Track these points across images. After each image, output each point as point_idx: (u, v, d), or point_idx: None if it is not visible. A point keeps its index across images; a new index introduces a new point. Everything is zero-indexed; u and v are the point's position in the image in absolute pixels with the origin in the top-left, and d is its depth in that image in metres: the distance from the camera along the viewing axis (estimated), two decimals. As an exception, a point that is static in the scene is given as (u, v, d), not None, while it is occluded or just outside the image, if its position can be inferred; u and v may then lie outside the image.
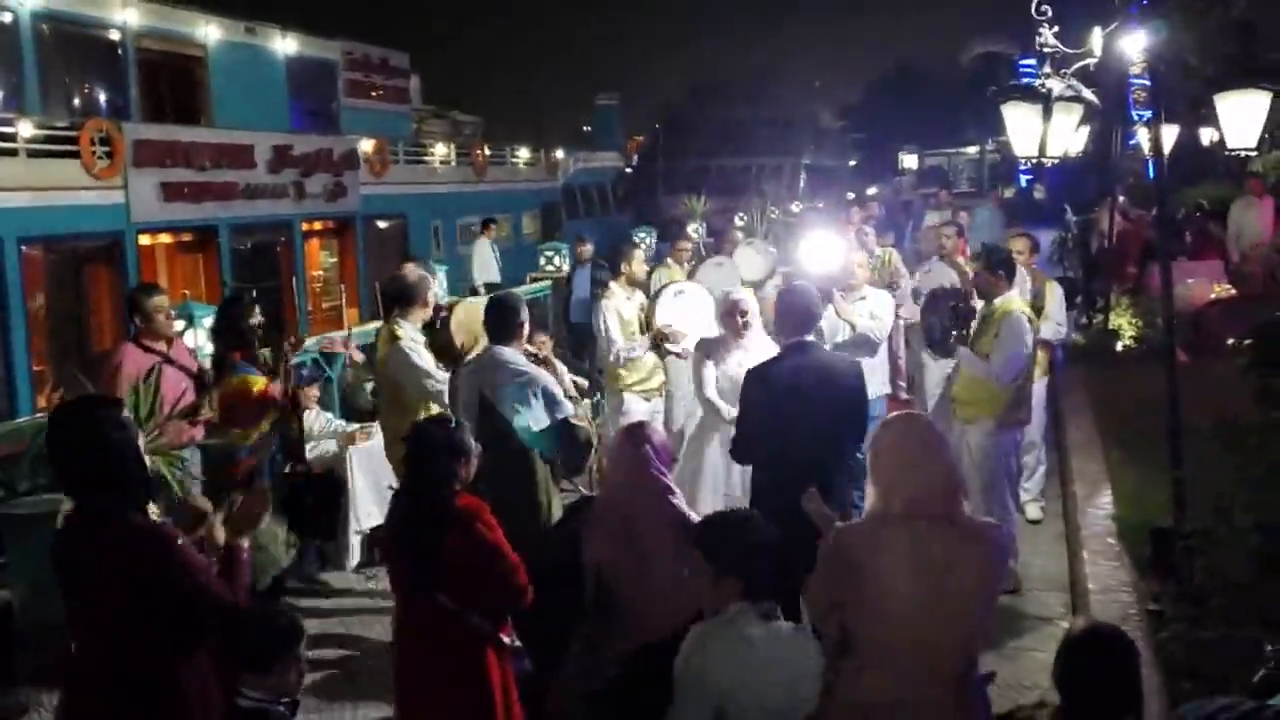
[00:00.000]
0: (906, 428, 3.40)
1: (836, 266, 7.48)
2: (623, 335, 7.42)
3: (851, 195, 32.90)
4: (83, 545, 3.17)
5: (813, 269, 7.78)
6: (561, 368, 5.68)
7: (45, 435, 3.30)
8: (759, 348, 6.04)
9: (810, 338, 5.19)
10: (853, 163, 51.31)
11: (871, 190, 38.28)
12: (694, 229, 17.03)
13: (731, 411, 5.80)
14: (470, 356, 5.69)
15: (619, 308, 7.53)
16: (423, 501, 3.83)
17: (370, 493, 6.88)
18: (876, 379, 7.03)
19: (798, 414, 4.77)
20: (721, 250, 10.61)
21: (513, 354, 5.10)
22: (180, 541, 3.19)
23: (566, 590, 3.90)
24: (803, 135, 44.36)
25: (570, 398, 5.33)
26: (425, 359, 5.89)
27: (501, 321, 5.21)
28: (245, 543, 3.43)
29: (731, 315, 6.21)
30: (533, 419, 4.93)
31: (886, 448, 3.33)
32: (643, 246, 8.41)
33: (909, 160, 52.87)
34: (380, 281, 14.04)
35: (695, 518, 3.75)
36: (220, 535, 3.42)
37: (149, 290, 6.40)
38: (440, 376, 5.75)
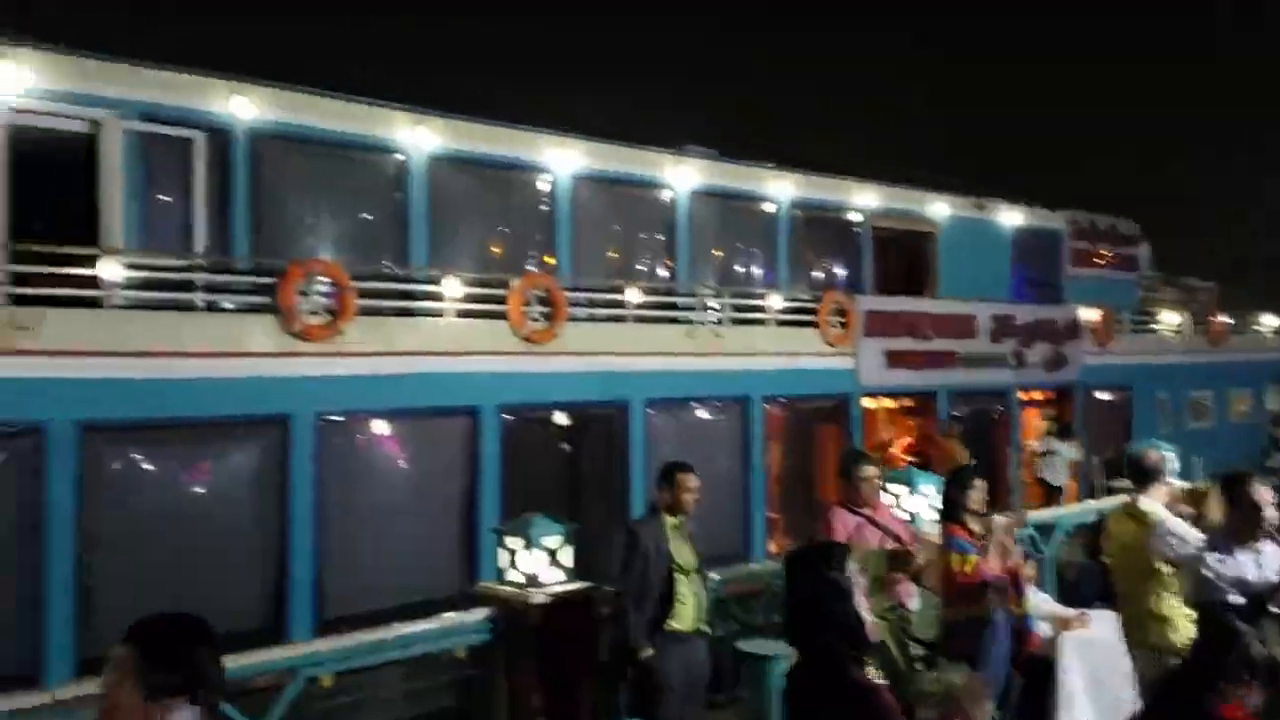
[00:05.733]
0: None
1: None
2: None
3: None
4: (808, 693, 3.35)
5: None
6: None
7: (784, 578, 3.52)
8: None
9: None
10: None
11: None
12: None
13: None
14: None
15: None
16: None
17: (1086, 691, 6.31)
18: None
19: None
20: None
21: None
22: (891, 709, 3.23)
23: None
24: None
25: None
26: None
27: None
28: None
29: None
30: None
31: None
32: None
33: None
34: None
35: None
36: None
37: (860, 459, 6.71)
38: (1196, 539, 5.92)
